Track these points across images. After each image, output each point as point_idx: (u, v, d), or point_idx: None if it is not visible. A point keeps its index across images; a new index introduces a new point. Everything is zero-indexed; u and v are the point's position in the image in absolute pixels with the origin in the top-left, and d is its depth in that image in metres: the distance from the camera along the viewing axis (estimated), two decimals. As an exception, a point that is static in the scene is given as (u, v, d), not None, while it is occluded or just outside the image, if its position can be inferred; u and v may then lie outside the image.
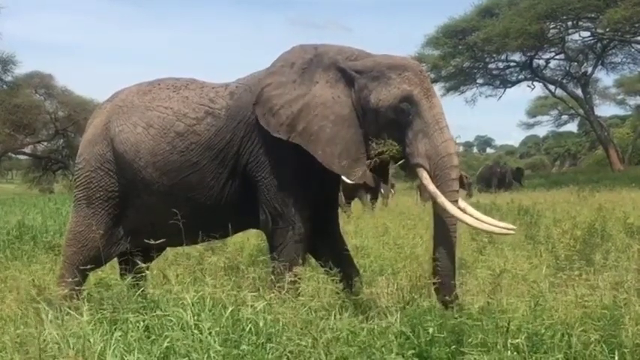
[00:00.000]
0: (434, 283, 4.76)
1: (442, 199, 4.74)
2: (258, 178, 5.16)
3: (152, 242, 5.04)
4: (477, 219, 4.87)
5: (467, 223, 4.84)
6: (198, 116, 5.25)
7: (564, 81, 42.05)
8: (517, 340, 3.80)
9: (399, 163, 5.03)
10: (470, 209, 4.90)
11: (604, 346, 3.84)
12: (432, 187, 4.80)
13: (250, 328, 3.87)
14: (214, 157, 5.20)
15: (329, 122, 4.99)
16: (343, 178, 5.51)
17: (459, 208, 4.82)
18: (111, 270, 6.11)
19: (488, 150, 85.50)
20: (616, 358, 3.78)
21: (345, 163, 4.99)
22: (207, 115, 5.25)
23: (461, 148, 68.00)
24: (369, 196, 15.92)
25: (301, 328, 3.93)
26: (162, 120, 5.30)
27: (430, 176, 4.83)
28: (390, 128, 4.94)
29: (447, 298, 4.64)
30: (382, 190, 16.70)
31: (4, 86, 40.90)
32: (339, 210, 6.15)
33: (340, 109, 5.02)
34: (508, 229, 4.97)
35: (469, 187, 22.54)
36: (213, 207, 5.25)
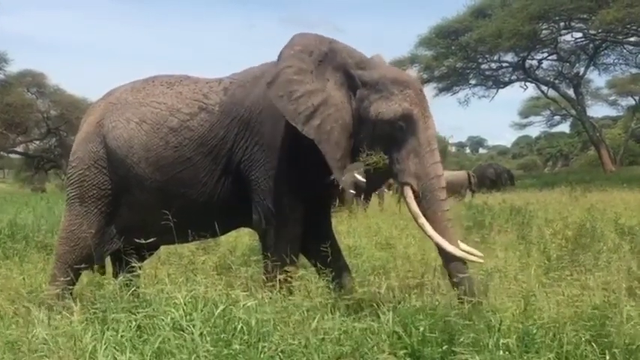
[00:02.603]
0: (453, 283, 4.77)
1: (422, 221, 4.80)
2: (252, 176, 5.16)
3: (143, 241, 5.05)
4: (452, 244, 4.81)
5: (442, 247, 4.80)
6: (191, 112, 5.25)
7: (556, 82, 42.16)
8: (508, 340, 3.83)
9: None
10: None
11: (595, 345, 3.86)
12: (414, 207, 4.85)
13: (242, 328, 3.87)
14: (208, 153, 5.20)
15: (338, 126, 5.00)
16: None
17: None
18: (103, 269, 6.09)
19: (481, 150, 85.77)
20: (607, 357, 3.81)
21: (341, 168, 5.01)
22: (200, 111, 5.24)
23: (453, 149, 68.19)
24: (362, 197, 15.88)
25: (293, 328, 3.93)
26: (156, 115, 5.29)
27: (416, 196, 4.87)
28: (383, 142, 4.95)
29: (469, 291, 4.63)
30: (377, 192, 16.66)
31: (-4, 84, 40.76)
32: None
33: (346, 116, 5.04)
34: (477, 256, 4.91)
35: (475, 185, 22.63)
36: (205, 204, 5.24)
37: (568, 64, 41.32)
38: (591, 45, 39.42)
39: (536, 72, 42.03)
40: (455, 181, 20.81)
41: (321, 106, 4.99)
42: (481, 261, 4.97)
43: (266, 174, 5.13)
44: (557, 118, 53.62)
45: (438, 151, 4.97)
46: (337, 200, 15.43)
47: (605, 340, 3.90)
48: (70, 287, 5.38)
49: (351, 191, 14.43)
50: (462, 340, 3.87)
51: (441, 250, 4.83)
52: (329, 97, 5.03)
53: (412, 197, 4.87)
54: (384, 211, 14.65)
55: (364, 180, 5.65)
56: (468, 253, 4.87)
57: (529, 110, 54.01)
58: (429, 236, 4.80)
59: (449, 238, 4.80)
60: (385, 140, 4.94)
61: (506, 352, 3.77)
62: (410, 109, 4.91)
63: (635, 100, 47.64)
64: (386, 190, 17.43)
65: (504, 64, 41.78)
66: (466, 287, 4.64)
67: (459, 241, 4.91)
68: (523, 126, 56.15)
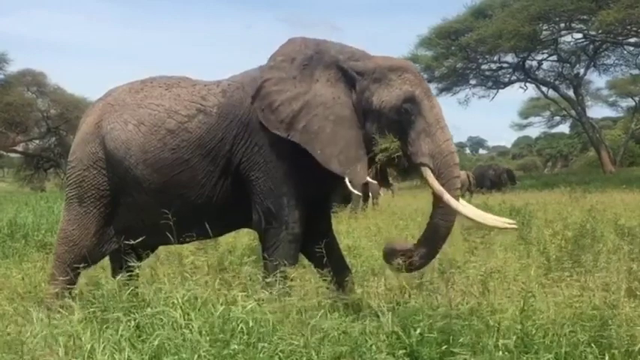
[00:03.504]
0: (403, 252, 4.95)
1: (448, 197, 4.82)
2: (252, 177, 5.15)
3: (132, 242, 5.07)
4: (478, 215, 4.98)
5: (469, 218, 4.95)
6: (189, 113, 5.24)
7: (557, 82, 42.22)
8: (507, 341, 3.82)
9: (395, 164, 5.07)
10: (469, 206, 5.06)
11: (594, 346, 3.86)
12: (437, 185, 4.87)
13: (241, 328, 3.87)
14: (206, 155, 5.19)
15: (329, 122, 5.01)
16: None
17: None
18: (102, 269, 6.09)
19: (481, 151, 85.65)
20: (606, 358, 3.80)
21: (343, 163, 5.01)
22: (198, 113, 5.24)
23: (453, 149, 68.02)
24: (361, 197, 15.88)
25: (292, 328, 3.93)
26: (154, 117, 5.29)
27: (434, 174, 4.89)
28: (392, 129, 4.97)
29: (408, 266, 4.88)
30: (370, 192, 16.66)
31: (-4, 84, 40.77)
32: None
33: (340, 110, 5.04)
34: (509, 223, 5.07)
35: (473, 186, 22.72)
36: (204, 206, 5.23)
37: (568, 64, 41.38)
38: (591, 46, 39.50)
39: (536, 73, 42.08)
40: None
41: (304, 108, 5.03)
42: (514, 226, 5.18)
43: (266, 175, 5.13)
44: (557, 118, 53.69)
45: (447, 128, 5.01)
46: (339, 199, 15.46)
47: (605, 341, 3.90)
48: (69, 287, 5.36)
49: (357, 192, 14.42)
50: (460, 340, 3.87)
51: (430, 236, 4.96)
52: (313, 97, 5.05)
53: (432, 176, 4.89)
54: (379, 212, 14.66)
55: (374, 182, 5.69)
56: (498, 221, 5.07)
57: (529, 111, 54.02)
58: (457, 210, 4.85)
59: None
60: (393, 127, 4.97)
61: (505, 353, 3.77)
62: (411, 91, 4.97)
63: (634, 101, 47.63)
64: (381, 191, 17.43)
65: (504, 65, 41.84)
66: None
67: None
68: (523, 127, 56.23)
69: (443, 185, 4.86)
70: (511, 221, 5.13)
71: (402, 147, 4.96)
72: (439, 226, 4.93)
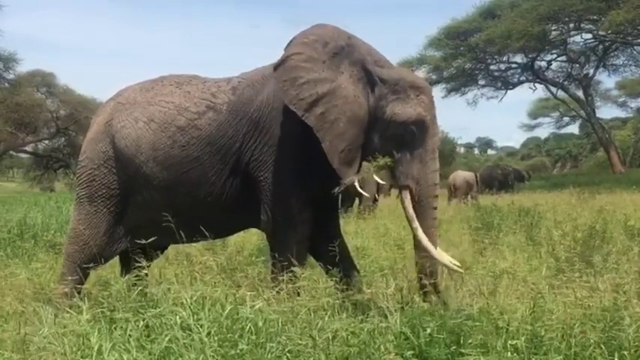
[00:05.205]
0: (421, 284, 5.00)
1: (416, 225, 4.98)
2: (261, 177, 5.15)
3: (143, 242, 5.06)
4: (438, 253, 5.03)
5: (431, 253, 4.96)
6: (199, 110, 5.24)
7: (566, 83, 42.09)
8: (517, 342, 3.81)
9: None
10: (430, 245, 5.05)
11: (604, 347, 3.84)
12: (411, 211, 5.01)
13: (250, 328, 3.86)
14: (215, 152, 5.19)
15: (344, 117, 5.01)
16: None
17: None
18: (111, 269, 6.11)
19: (490, 151, 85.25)
20: (616, 359, 3.78)
21: (342, 161, 5.02)
22: (208, 110, 5.24)
23: (462, 150, 67.99)
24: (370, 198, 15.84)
25: (301, 328, 3.93)
26: (164, 114, 5.29)
27: (412, 199, 5.00)
28: (392, 142, 5.04)
29: (430, 296, 4.91)
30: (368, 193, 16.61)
31: (6, 84, 40.90)
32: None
33: (357, 109, 5.05)
34: (457, 266, 5.06)
35: (481, 187, 22.76)
36: (213, 204, 5.23)
37: (577, 65, 41.24)
38: (601, 46, 39.35)
39: (546, 73, 41.95)
40: (470, 181, 21.27)
41: (327, 95, 5.01)
42: (461, 271, 5.14)
43: (275, 174, 5.13)
44: (566, 119, 53.47)
45: (438, 159, 5.11)
46: (345, 200, 15.38)
47: (615, 342, 3.88)
48: (79, 286, 5.37)
49: (364, 193, 14.32)
50: (470, 341, 3.86)
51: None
52: (338, 88, 5.04)
53: (410, 201, 5.03)
54: (390, 212, 14.61)
55: (382, 182, 5.72)
56: (450, 262, 5.04)
57: (538, 111, 53.86)
58: (420, 240, 4.97)
59: (434, 244, 4.99)
60: (394, 141, 5.03)
61: (515, 354, 3.76)
62: (424, 115, 5.03)
63: (644, 101, 47.42)
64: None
65: (513, 65, 41.75)
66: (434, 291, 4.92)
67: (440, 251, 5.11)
68: (532, 127, 56.10)
69: (421, 213, 5.01)
70: (458, 263, 5.10)
71: (393, 161, 5.06)
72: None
